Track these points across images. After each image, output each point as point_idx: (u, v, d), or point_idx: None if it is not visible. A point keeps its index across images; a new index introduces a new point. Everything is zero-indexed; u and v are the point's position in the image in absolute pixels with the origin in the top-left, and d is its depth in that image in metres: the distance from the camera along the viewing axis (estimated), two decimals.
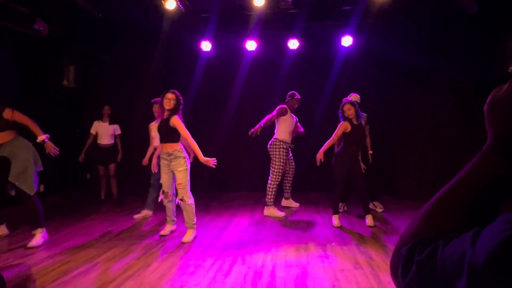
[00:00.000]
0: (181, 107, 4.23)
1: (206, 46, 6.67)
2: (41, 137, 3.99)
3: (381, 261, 3.46)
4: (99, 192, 6.45)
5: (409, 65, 6.13)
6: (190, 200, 4.17)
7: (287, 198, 5.95)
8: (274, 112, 5.33)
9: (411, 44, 6.12)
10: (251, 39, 6.50)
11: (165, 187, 4.33)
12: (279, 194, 5.83)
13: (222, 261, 3.52)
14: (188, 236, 4.17)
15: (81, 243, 4.12)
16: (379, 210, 5.52)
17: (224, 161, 6.82)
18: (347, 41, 6.32)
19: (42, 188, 4.29)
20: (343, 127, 4.67)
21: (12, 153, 3.97)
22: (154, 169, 4.76)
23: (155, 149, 5.06)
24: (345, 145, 4.73)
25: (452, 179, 0.62)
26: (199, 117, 6.95)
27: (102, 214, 5.60)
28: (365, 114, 5.34)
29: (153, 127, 5.09)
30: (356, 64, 6.64)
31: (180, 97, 4.23)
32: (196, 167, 4.32)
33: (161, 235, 4.36)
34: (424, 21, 5.96)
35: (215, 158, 4.07)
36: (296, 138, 5.62)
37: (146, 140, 5.55)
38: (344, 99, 4.93)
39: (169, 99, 4.15)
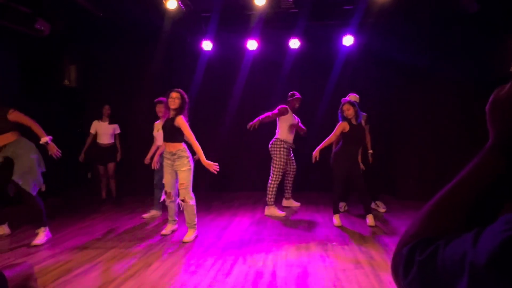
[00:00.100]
0: (186, 106, 4.19)
1: (207, 45, 6.67)
2: (45, 139, 4.01)
3: (382, 261, 3.46)
4: (100, 191, 6.46)
5: (409, 65, 6.13)
6: (192, 200, 4.16)
7: (287, 198, 5.95)
8: (275, 111, 5.33)
9: (412, 44, 6.11)
10: (252, 39, 6.50)
11: (167, 187, 4.31)
12: (280, 194, 5.83)
13: (223, 261, 3.52)
14: (189, 236, 4.17)
15: (82, 242, 4.13)
16: (382, 210, 5.50)
17: (225, 161, 6.82)
18: (348, 40, 6.31)
19: (43, 188, 4.31)
20: (341, 127, 4.68)
21: (16, 154, 3.99)
22: (155, 165, 4.75)
23: (157, 147, 5.06)
24: (344, 145, 4.75)
25: (453, 179, 0.62)
26: (200, 117, 6.95)
27: (103, 213, 5.60)
28: (365, 114, 5.34)
29: (157, 126, 5.09)
30: (357, 63, 6.64)
31: (185, 96, 4.20)
32: (197, 168, 4.31)
33: (162, 235, 4.36)
34: (424, 21, 5.96)
35: (217, 164, 4.03)
36: (297, 138, 5.62)
37: (146, 139, 5.56)
38: (343, 99, 4.93)
39: (174, 98, 4.12)
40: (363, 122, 5.12)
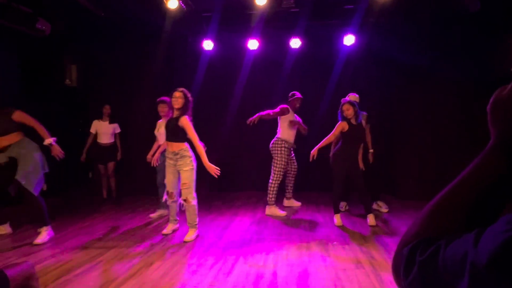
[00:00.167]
0: (190, 105, 4.17)
1: (208, 45, 6.67)
2: (49, 140, 4.03)
3: (383, 260, 3.46)
4: (101, 191, 6.47)
5: (409, 64, 6.13)
6: (194, 201, 4.15)
7: (288, 198, 5.95)
8: (277, 109, 5.33)
9: (412, 44, 6.11)
10: (253, 38, 6.50)
11: (169, 187, 4.29)
12: (281, 193, 5.83)
13: (224, 260, 3.53)
14: (190, 235, 4.17)
15: (83, 242, 4.13)
16: (384, 210, 5.48)
17: (226, 160, 6.82)
18: (349, 40, 6.31)
19: (45, 187, 4.34)
20: (340, 127, 4.70)
21: (20, 154, 4.01)
22: (154, 163, 4.73)
23: (159, 146, 5.05)
24: (343, 145, 4.76)
25: (453, 179, 0.62)
26: (201, 116, 6.92)
27: (103, 213, 5.61)
28: (365, 113, 5.33)
29: (160, 124, 5.07)
30: (357, 63, 6.63)
31: (188, 95, 4.18)
32: (199, 168, 4.30)
33: (163, 234, 4.37)
34: (425, 21, 5.95)
35: (219, 168, 4.01)
36: (297, 138, 5.62)
37: (147, 139, 5.56)
38: (342, 99, 4.93)
39: (177, 98, 4.10)
40: (363, 121, 5.12)
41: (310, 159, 4.74)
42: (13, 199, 4.32)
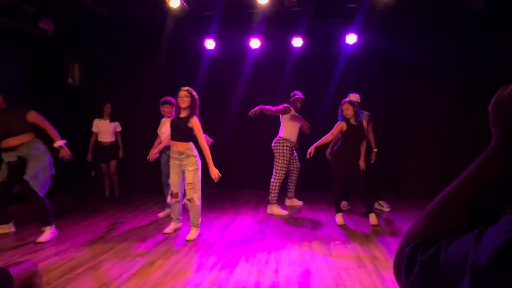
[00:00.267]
0: (197, 103, 4.13)
1: (210, 44, 6.67)
2: (59, 143, 4.07)
3: (384, 260, 3.46)
4: (103, 190, 6.49)
5: (410, 64, 6.11)
6: (198, 201, 4.13)
7: (290, 198, 5.95)
8: (279, 107, 5.33)
9: (413, 44, 6.09)
10: (255, 37, 6.50)
11: (173, 188, 4.26)
12: (283, 192, 5.83)
13: (226, 259, 3.53)
14: (192, 234, 4.18)
15: (86, 240, 4.15)
16: (386, 210, 5.47)
17: (228, 159, 6.83)
18: (351, 39, 6.29)
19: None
20: (339, 127, 4.71)
21: (29, 154, 4.04)
22: (152, 157, 4.70)
23: (160, 143, 5.03)
24: (342, 144, 4.77)
25: (453, 179, 0.62)
26: (202, 115, 6.89)
27: (106, 211, 5.62)
28: (367, 113, 5.32)
29: (164, 123, 5.04)
30: (360, 62, 6.62)
31: (194, 93, 4.13)
32: (203, 167, 4.30)
33: (166, 233, 4.38)
34: (425, 20, 5.93)
35: (221, 175, 4.02)
36: (300, 137, 5.61)
37: (148, 138, 5.56)
38: (343, 100, 4.92)
39: (182, 97, 4.07)
40: (365, 121, 5.11)
41: (307, 156, 4.75)
42: (16, 197, 4.35)
